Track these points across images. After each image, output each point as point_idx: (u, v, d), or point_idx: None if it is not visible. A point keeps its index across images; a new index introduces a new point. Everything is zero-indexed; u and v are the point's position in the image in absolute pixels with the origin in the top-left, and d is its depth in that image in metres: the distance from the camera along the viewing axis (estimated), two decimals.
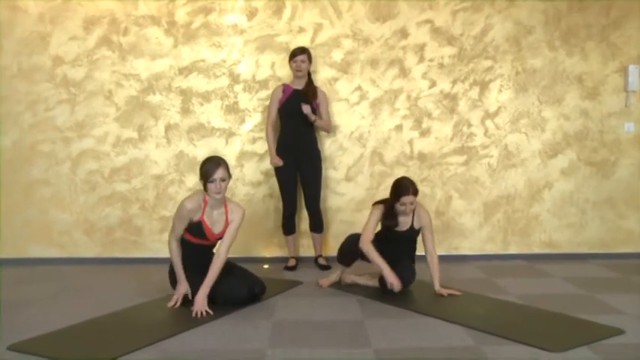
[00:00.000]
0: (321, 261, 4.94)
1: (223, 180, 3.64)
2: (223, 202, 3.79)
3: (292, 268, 4.89)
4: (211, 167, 3.62)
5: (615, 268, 4.87)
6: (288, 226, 4.96)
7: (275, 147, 4.86)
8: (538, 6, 5.16)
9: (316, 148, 4.93)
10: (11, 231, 5.10)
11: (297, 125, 4.81)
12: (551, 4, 5.17)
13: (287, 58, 5.04)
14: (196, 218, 3.68)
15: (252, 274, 4.02)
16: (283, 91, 4.82)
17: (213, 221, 3.76)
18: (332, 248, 5.03)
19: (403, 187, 3.93)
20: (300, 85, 4.82)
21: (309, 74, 4.86)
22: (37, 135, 5.07)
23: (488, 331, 3.22)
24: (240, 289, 3.81)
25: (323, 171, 4.98)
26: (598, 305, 3.79)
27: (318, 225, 4.97)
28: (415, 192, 3.94)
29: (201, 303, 3.58)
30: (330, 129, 5.01)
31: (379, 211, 4.11)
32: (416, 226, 4.11)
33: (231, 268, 3.95)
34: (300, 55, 4.73)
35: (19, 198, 5.09)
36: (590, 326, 3.34)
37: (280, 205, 5.11)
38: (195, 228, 3.71)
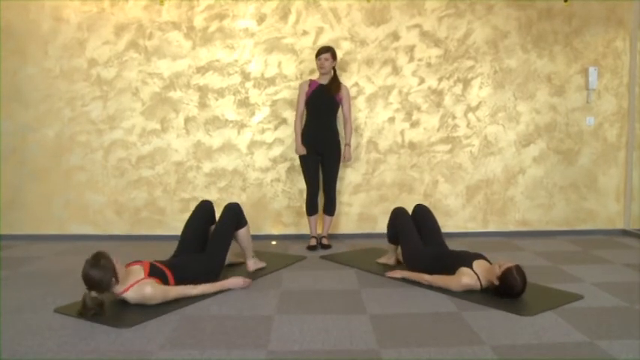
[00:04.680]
0: (324, 241, 4.83)
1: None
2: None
3: (314, 248, 4.71)
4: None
5: (577, 243, 4.93)
6: (311, 208, 4.80)
7: (300, 135, 4.74)
8: (512, 14, 5.17)
9: (337, 138, 4.77)
10: (54, 211, 5.17)
11: (320, 117, 4.69)
12: (523, 13, 5.17)
13: (292, 58, 5.09)
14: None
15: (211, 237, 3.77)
16: (309, 85, 4.71)
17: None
18: (332, 226, 5.07)
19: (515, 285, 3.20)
20: (325, 81, 4.70)
21: (334, 70, 4.73)
22: (75, 127, 5.11)
23: (468, 298, 3.25)
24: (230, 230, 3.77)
25: (342, 159, 4.84)
26: (562, 275, 3.85)
27: (331, 207, 4.84)
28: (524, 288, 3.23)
29: (234, 282, 3.51)
30: (351, 122, 4.83)
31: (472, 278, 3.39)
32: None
33: (198, 251, 3.69)
34: (323, 53, 4.58)
35: (61, 182, 5.15)
36: (555, 293, 3.39)
37: (287, 188, 5.17)
38: (159, 274, 3.23)
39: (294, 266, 4.16)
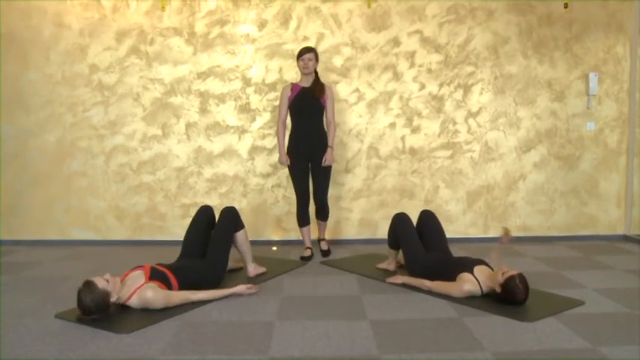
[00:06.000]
0: (324, 246, 4.75)
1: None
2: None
3: (308, 258, 4.53)
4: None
5: (578, 249, 4.93)
6: (303, 218, 4.66)
7: (286, 143, 4.58)
8: (513, 20, 5.18)
9: (326, 141, 4.55)
10: (55, 216, 5.18)
11: (306, 121, 4.52)
12: (524, 19, 5.19)
13: (293, 64, 5.05)
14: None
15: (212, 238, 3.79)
16: (292, 90, 4.54)
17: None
18: (332, 232, 5.09)
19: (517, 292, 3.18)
20: (307, 83, 4.53)
21: (316, 72, 4.56)
22: (76, 133, 5.12)
23: (469, 304, 3.25)
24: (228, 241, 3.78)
25: (332, 164, 4.67)
26: (563, 281, 3.84)
27: (324, 214, 4.70)
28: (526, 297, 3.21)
29: (239, 289, 3.47)
30: (334, 123, 4.63)
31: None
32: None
33: (199, 256, 3.73)
34: (307, 53, 4.41)
35: (62, 187, 5.16)
36: (556, 299, 3.38)
37: (288, 193, 5.17)
38: (161, 277, 3.26)
39: (294, 272, 4.16)
